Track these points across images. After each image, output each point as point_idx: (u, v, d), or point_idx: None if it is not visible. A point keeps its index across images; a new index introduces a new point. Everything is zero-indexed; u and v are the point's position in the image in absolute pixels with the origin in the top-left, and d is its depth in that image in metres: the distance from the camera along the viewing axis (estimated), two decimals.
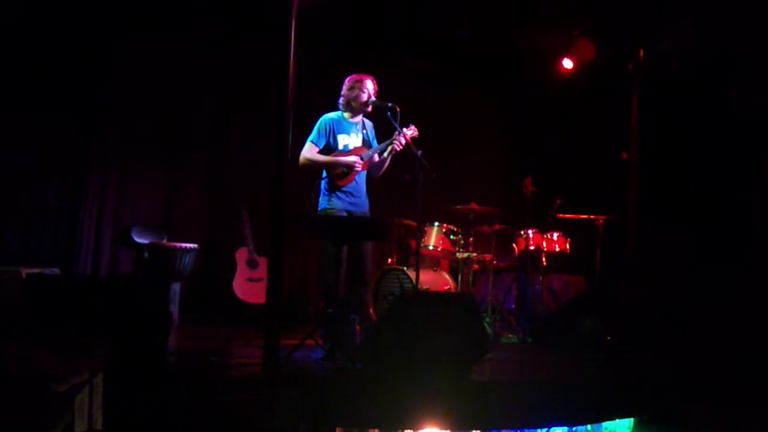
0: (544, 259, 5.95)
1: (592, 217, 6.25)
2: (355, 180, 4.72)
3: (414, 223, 5.76)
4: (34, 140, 5.73)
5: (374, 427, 3.62)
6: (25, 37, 5.59)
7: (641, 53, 6.25)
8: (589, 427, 4.08)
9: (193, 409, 3.31)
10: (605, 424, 4.15)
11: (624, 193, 6.33)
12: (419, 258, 5.05)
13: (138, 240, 5.99)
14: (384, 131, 4.86)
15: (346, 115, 4.81)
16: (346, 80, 4.80)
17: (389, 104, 4.61)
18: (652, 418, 4.11)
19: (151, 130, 6.34)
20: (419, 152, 4.67)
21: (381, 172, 4.89)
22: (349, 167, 4.68)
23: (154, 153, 6.37)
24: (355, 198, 4.72)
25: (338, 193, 4.68)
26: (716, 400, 4.29)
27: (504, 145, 7.72)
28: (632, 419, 4.16)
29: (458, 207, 5.90)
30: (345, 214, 4.67)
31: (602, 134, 6.95)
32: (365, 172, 4.80)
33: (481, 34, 6.71)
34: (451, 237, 5.89)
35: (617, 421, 4.14)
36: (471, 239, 5.91)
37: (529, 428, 3.81)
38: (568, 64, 6.60)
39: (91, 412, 2.63)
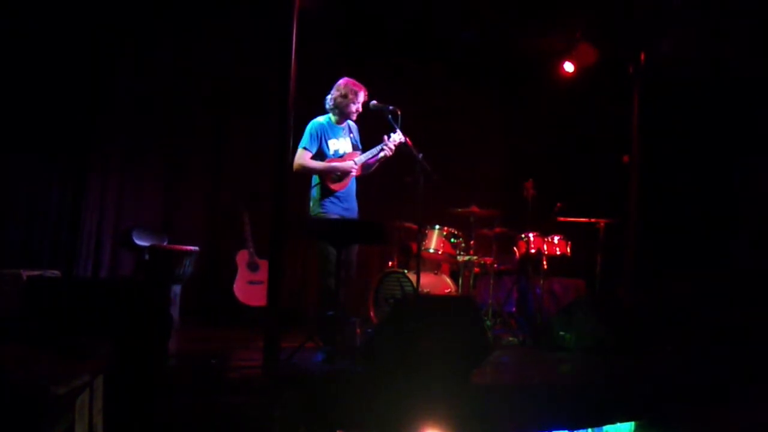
0: (544, 263, 5.95)
1: (593, 220, 6.25)
2: (348, 185, 4.78)
3: (415, 226, 5.75)
4: (35, 141, 5.72)
5: (374, 430, 3.61)
6: (27, 37, 5.59)
7: (642, 56, 6.26)
8: (589, 430, 4.07)
9: (193, 412, 3.31)
10: (606, 427, 4.14)
11: (625, 197, 6.33)
12: (420, 261, 5.05)
13: (139, 242, 5.97)
14: (380, 134, 4.88)
15: (334, 118, 4.85)
16: (340, 83, 4.80)
17: (390, 107, 4.62)
18: (653, 422, 4.10)
19: (152, 132, 6.33)
20: (420, 155, 4.68)
21: (366, 174, 4.95)
22: (345, 173, 4.72)
23: (154, 154, 6.36)
24: (347, 203, 4.80)
25: (332, 198, 4.73)
26: (717, 402, 4.28)
27: (505, 148, 7.72)
28: (633, 422, 4.15)
29: (459, 210, 5.90)
30: (338, 218, 4.72)
31: (603, 137, 6.95)
32: (355, 177, 4.87)
33: (483, 37, 6.71)
34: (452, 240, 5.89)
35: (618, 424, 4.13)
36: (472, 242, 5.90)
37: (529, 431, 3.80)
38: (569, 67, 6.60)
39: (92, 414, 2.62)
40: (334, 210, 4.71)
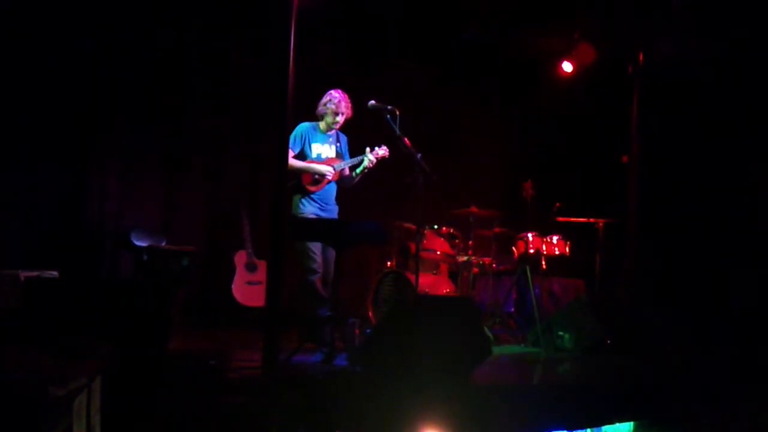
0: (543, 263, 5.94)
1: (591, 220, 6.25)
2: (324, 188, 4.86)
3: (414, 226, 5.75)
4: (35, 141, 5.72)
5: (374, 431, 3.61)
6: (29, 38, 5.58)
7: (641, 56, 6.26)
8: (589, 430, 4.07)
9: (192, 413, 3.30)
10: (605, 427, 4.14)
11: (625, 197, 6.33)
12: (419, 261, 5.04)
13: (137, 243, 5.97)
14: (380, 134, 4.88)
15: (322, 125, 4.96)
16: (326, 94, 4.91)
17: (389, 107, 4.64)
18: (653, 422, 4.10)
19: (151, 132, 6.32)
20: (419, 155, 4.68)
21: (350, 186, 5.03)
22: (321, 175, 4.82)
23: (154, 154, 6.35)
24: (325, 204, 4.88)
25: (308, 198, 4.83)
26: (717, 403, 4.28)
27: (504, 148, 7.71)
28: (632, 422, 4.15)
29: (458, 210, 5.89)
30: (315, 218, 4.82)
31: (602, 138, 6.95)
32: (335, 183, 4.94)
33: (482, 37, 6.71)
34: (451, 240, 5.88)
35: (617, 424, 4.13)
36: (471, 242, 5.90)
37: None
38: (568, 67, 6.60)
39: (90, 415, 2.62)
40: (310, 210, 4.81)
